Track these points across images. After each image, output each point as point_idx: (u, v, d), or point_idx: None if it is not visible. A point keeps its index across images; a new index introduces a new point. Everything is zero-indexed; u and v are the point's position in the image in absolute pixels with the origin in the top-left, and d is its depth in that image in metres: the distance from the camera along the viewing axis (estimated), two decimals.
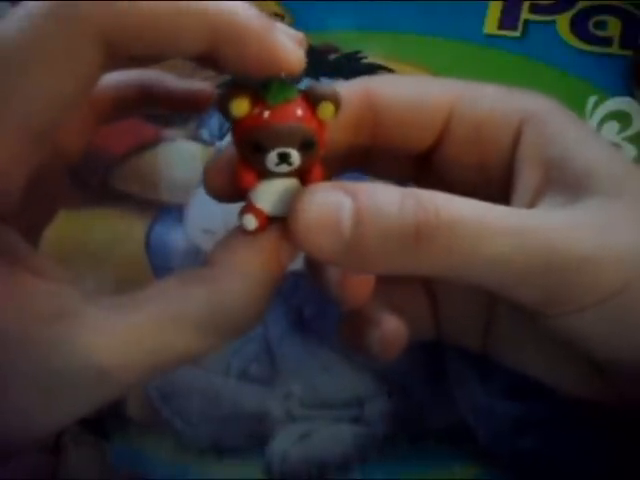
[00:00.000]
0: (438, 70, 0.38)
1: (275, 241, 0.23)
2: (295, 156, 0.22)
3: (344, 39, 0.39)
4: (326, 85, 0.23)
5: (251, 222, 0.23)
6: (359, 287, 0.25)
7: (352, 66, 0.38)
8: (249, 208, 0.23)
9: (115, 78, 0.27)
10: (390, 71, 0.38)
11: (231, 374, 0.31)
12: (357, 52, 0.39)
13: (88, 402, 0.21)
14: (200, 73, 0.33)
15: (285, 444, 0.30)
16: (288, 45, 0.22)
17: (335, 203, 0.22)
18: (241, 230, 0.23)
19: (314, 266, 0.26)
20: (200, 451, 0.30)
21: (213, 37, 0.21)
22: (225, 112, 0.22)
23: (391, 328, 0.26)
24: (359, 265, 0.22)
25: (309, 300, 0.32)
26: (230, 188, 0.24)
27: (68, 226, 0.35)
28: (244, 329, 0.23)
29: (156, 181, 0.36)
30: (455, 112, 0.26)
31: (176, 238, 0.34)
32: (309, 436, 0.30)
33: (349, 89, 0.24)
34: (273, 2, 0.40)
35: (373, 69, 0.38)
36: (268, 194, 0.23)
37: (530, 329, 0.26)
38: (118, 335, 0.21)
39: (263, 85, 0.22)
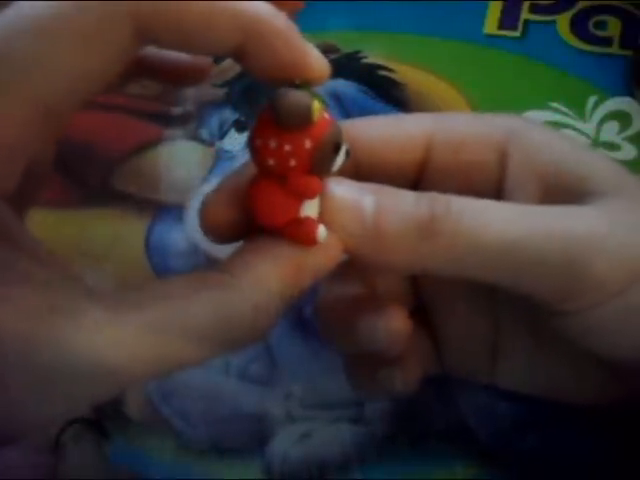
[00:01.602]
0: (438, 70, 0.38)
1: (299, 258, 0.23)
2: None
3: (344, 39, 0.39)
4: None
5: (324, 232, 0.22)
6: (401, 325, 0.25)
7: (352, 66, 0.38)
8: (312, 220, 0.22)
9: None
10: (390, 71, 0.38)
11: (231, 374, 0.31)
12: (357, 52, 0.39)
13: (81, 400, 0.21)
14: None
15: (285, 444, 0.30)
16: (316, 52, 0.22)
17: (359, 193, 0.23)
18: (262, 238, 0.23)
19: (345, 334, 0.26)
20: (200, 451, 0.30)
21: (244, 36, 0.21)
22: (301, 117, 0.21)
23: (411, 365, 0.26)
24: (378, 254, 0.23)
25: (309, 300, 0.32)
26: (236, 224, 0.24)
27: (68, 226, 0.35)
28: (248, 342, 0.23)
29: (156, 181, 0.36)
30: (433, 142, 0.26)
31: (176, 238, 0.34)
32: (309, 436, 0.30)
33: None
34: None
35: (373, 69, 0.38)
36: (317, 201, 0.23)
37: (538, 352, 0.26)
38: (116, 336, 0.20)
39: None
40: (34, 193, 0.26)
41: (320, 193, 0.23)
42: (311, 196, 0.22)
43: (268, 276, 0.22)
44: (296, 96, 0.21)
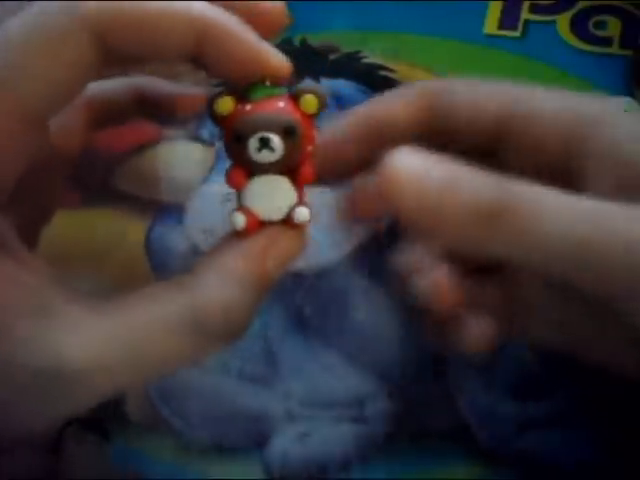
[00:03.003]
0: (438, 70, 0.38)
1: (262, 247, 0.23)
2: (276, 141, 0.22)
3: (344, 39, 0.39)
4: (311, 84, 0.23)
5: (240, 220, 0.23)
6: (439, 282, 0.25)
7: (352, 66, 0.38)
8: (238, 208, 0.23)
9: (109, 83, 0.28)
10: (390, 71, 0.38)
11: (231, 374, 0.31)
12: (357, 52, 0.39)
13: (61, 404, 0.21)
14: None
15: (285, 444, 0.30)
16: (271, 49, 0.23)
17: (425, 162, 0.22)
18: (227, 237, 0.23)
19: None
20: (200, 451, 0.30)
21: (198, 35, 0.22)
22: (211, 112, 0.23)
23: (485, 326, 0.26)
24: (438, 231, 0.22)
25: (309, 300, 0.32)
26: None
27: (68, 226, 0.35)
28: (227, 337, 0.23)
29: (156, 181, 0.36)
30: (510, 112, 0.26)
31: (176, 238, 0.34)
32: (309, 436, 0.30)
33: (411, 89, 0.25)
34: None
35: (373, 69, 0.38)
36: (257, 192, 0.23)
37: (566, 305, 0.26)
38: (93, 338, 0.21)
39: (249, 87, 0.23)
40: (43, 212, 0.27)
41: (239, 188, 0.23)
42: (232, 187, 0.23)
43: (234, 273, 0.23)
44: (210, 95, 0.23)
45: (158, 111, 0.29)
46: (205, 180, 0.36)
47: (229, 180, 0.23)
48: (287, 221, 0.23)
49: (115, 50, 0.22)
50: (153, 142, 0.37)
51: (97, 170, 0.36)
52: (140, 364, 0.22)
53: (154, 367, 0.22)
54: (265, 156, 0.22)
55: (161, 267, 0.34)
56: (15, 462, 0.29)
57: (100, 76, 0.23)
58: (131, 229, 0.35)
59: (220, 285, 0.22)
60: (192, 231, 0.34)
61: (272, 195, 0.23)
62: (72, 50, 0.21)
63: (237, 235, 0.23)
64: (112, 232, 0.35)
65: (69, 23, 0.21)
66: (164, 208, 0.35)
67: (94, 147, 0.36)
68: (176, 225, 0.35)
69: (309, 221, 0.24)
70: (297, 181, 0.23)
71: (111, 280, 0.34)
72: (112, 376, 0.21)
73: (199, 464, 0.30)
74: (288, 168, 0.23)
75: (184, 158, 0.36)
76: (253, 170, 0.23)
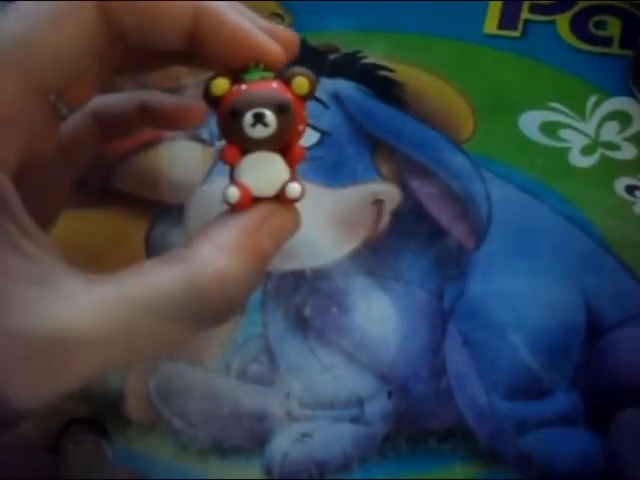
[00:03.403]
0: (438, 70, 0.38)
1: (257, 221, 0.23)
2: (270, 117, 0.23)
3: (344, 39, 0.39)
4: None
5: (234, 194, 0.23)
6: None
7: (352, 66, 0.38)
8: (232, 182, 0.24)
9: (115, 98, 0.28)
10: (390, 71, 0.38)
11: (231, 374, 0.31)
12: (357, 52, 0.39)
13: (58, 374, 0.21)
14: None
15: (285, 444, 0.30)
16: (265, 36, 0.24)
17: None
18: (221, 214, 0.24)
19: None
20: (200, 451, 0.30)
21: (195, 17, 0.23)
22: (207, 94, 0.23)
23: None
24: None
25: (309, 300, 0.32)
26: None
27: (68, 226, 0.35)
28: (224, 311, 0.23)
29: (156, 181, 0.36)
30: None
31: (176, 238, 0.34)
32: (309, 436, 0.30)
33: None
34: (273, 2, 0.40)
35: (373, 69, 0.38)
36: (251, 168, 0.23)
37: None
38: (92, 307, 0.21)
39: (243, 70, 0.24)
40: (49, 219, 0.27)
41: (234, 163, 0.24)
42: (227, 163, 0.24)
43: (226, 243, 0.23)
44: (207, 80, 0.24)
45: (163, 125, 0.30)
46: (205, 180, 0.36)
47: (224, 156, 0.24)
48: (279, 197, 0.24)
49: (119, 28, 0.23)
50: (153, 142, 0.37)
51: (97, 170, 0.36)
52: (138, 335, 0.22)
53: (152, 339, 0.22)
54: (259, 131, 0.23)
55: None
56: (15, 462, 0.29)
57: (104, 53, 0.23)
58: (131, 229, 0.35)
59: (216, 256, 0.23)
60: (192, 231, 0.34)
61: (265, 171, 0.24)
62: (79, 23, 0.22)
63: (231, 209, 0.24)
64: (112, 232, 0.35)
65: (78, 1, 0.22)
66: (164, 208, 0.35)
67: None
68: (176, 225, 0.35)
69: (301, 197, 0.24)
70: (289, 158, 0.24)
71: None
72: (110, 346, 0.21)
73: (199, 464, 0.30)
74: (280, 146, 0.24)
75: (184, 158, 0.36)
76: (247, 147, 0.23)
